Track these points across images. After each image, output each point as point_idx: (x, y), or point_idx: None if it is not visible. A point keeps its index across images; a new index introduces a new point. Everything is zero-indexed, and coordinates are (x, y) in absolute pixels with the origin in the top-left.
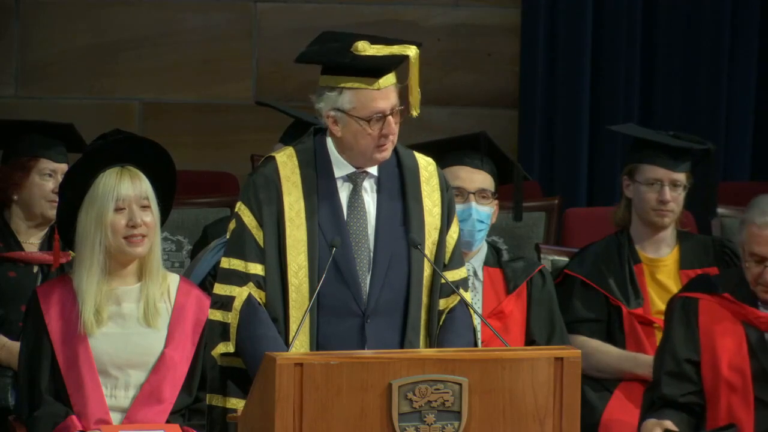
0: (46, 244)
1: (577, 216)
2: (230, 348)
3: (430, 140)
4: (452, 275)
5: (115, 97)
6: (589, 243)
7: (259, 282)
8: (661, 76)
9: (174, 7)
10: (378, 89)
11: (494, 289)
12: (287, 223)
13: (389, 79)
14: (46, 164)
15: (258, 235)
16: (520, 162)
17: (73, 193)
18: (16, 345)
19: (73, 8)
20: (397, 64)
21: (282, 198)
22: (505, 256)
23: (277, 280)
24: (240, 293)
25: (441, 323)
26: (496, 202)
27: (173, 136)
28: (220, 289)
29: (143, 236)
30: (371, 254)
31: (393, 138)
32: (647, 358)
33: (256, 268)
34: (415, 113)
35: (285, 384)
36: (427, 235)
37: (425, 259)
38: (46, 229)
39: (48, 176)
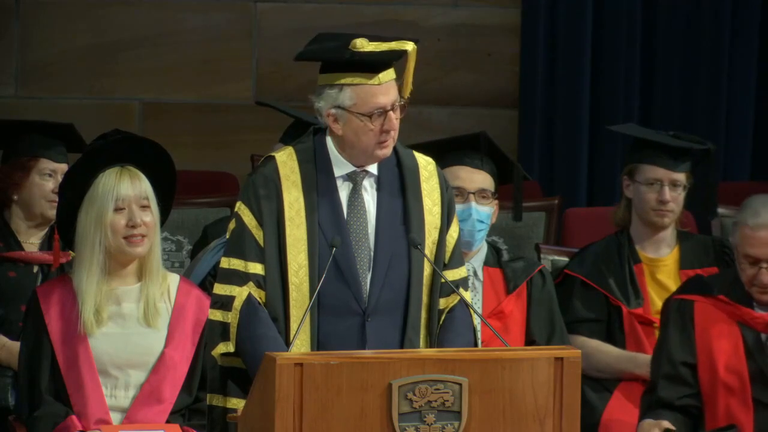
0: (46, 244)
1: (577, 216)
2: (230, 348)
3: (430, 140)
4: (452, 275)
5: (115, 97)
6: (589, 243)
7: (259, 281)
8: (661, 76)
9: (174, 7)
10: (378, 84)
11: (494, 289)
12: (287, 223)
13: (389, 74)
14: (46, 164)
15: (258, 234)
16: (520, 162)
17: (73, 193)
18: (16, 345)
19: (73, 8)
20: (397, 58)
21: (282, 197)
22: (505, 256)
23: (277, 280)
24: (240, 293)
25: (441, 323)
26: (496, 202)
27: (173, 136)
28: (220, 288)
29: (143, 236)
30: (371, 253)
31: (394, 134)
32: (646, 358)
33: (256, 268)
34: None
35: (285, 384)
36: (427, 235)
37: (425, 258)
38: (46, 229)
39: (48, 176)
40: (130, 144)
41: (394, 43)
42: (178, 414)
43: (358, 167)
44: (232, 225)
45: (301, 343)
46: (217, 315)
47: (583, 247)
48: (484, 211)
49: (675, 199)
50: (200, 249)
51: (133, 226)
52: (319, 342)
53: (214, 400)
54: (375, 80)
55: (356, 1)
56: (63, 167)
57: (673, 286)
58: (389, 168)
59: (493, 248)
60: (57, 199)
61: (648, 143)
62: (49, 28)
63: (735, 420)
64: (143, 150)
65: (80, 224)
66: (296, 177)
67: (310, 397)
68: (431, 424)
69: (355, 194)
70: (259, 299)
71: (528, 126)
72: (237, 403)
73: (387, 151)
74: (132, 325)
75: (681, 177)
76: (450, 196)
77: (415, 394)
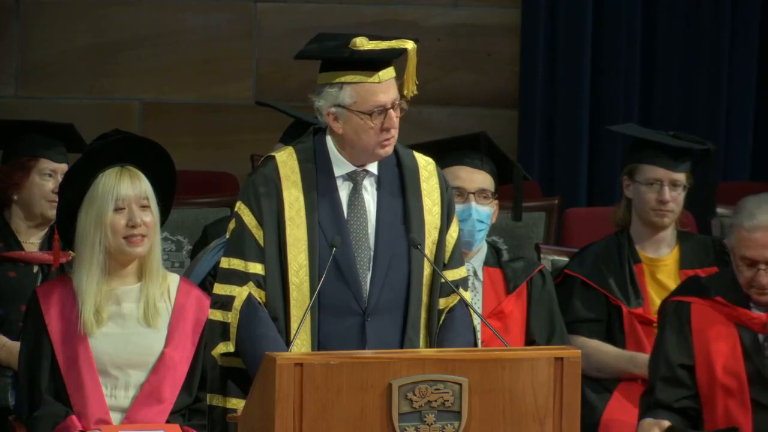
0: (46, 244)
1: (577, 216)
2: (230, 348)
3: (430, 140)
4: (452, 275)
5: (115, 97)
6: (589, 243)
7: (259, 281)
8: (661, 76)
9: (174, 7)
10: (378, 82)
11: (494, 289)
12: (287, 222)
13: (389, 73)
14: (46, 164)
15: (258, 234)
16: (520, 162)
17: (73, 193)
18: (16, 345)
19: (73, 8)
20: (396, 56)
21: (282, 197)
22: (505, 256)
23: (277, 279)
24: (240, 293)
25: (441, 323)
26: (496, 202)
27: (173, 136)
28: (220, 288)
29: (143, 236)
30: (371, 253)
31: (394, 133)
32: (646, 358)
33: (256, 268)
34: (410, 94)
35: (285, 384)
36: (426, 235)
37: (425, 258)
38: (46, 229)
39: (48, 176)
40: (130, 144)
41: (393, 41)
42: (178, 414)
43: (358, 166)
44: (232, 225)
45: (301, 343)
46: (217, 315)
47: (583, 247)
48: (484, 211)
49: (675, 199)
50: (200, 249)
51: (133, 226)
52: (319, 342)
53: (214, 400)
54: (375, 78)
55: (356, 1)
56: (63, 167)
57: (673, 285)
58: (389, 168)
59: (493, 248)
60: (57, 199)
61: (648, 143)
62: (49, 28)
63: (733, 421)
64: (143, 150)
65: (80, 224)
66: (296, 177)
67: (310, 397)
68: (431, 424)
69: (356, 194)
70: (259, 299)
71: (528, 126)
72: (237, 403)
73: (388, 150)
74: (132, 325)
75: (681, 177)
76: (450, 196)
77: (415, 394)
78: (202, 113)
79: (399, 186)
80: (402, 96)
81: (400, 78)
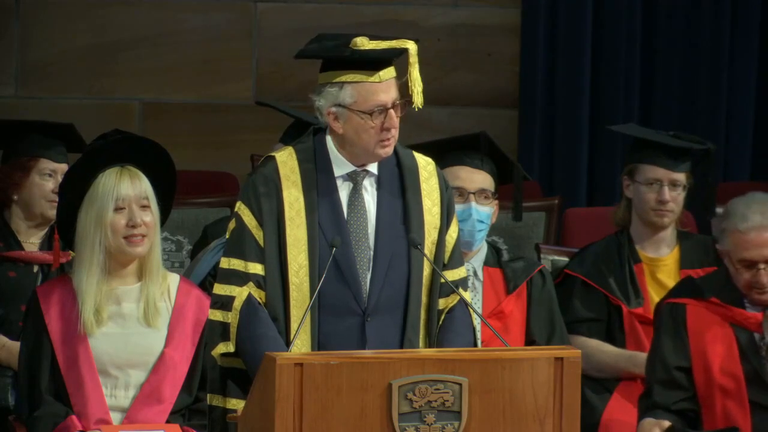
0: (46, 244)
1: (577, 216)
2: (230, 348)
3: (430, 140)
4: (452, 275)
5: (115, 97)
6: (589, 243)
7: (259, 282)
8: (661, 76)
9: (174, 7)
10: (379, 82)
11: (494, 289)
12: (287, 222)
13: (390, 72)
14: (46, 164)
15: (258, 234)
16: (520, 162)
17: (73, 193)
18: (16, 345)
19: (73, 8)
20: (397, 55)
21: (282, 197)
22: (505, 256)
23: (277, 280)
24: (240, 293)
25: (440, 323)
26: (496, 202)
27: (173, 136)
28: (220, 289)
29: (143, 236)
30: (371, 253)
31: (395, 132)
32: (645, 357)
33: (256, 268)
34: (418, 105)
35: (285, 384)
36: (426, 235)
37: (425, 258)
38: (46, 229)
39: (48, 176)
40: (130, 144)
41: (394, 41)
42: (178, 414)
43: (358, 166)
44: (232, 225)
45: (301, 343)
46: (217, 315)
47: (583, 247)
48: (484, 211)
49: (675, 199)
50: (200, 249)
51: (133, 226)
52: (319, 342)
53: (214, 400)
54: (375, 78)
55: (356, 1)
56: (63, 167)
57: (673, 285)
58: (389, 168)
59: (493, 248)
60: (57, 199)
61: (648, 143)
62: (49, 28)
63: (732, 422)
64: (143, 150)
65: (80, 224)
66: (296, 177)
67: (310, 397)
68: (431, 424)
69: (356, 194)
70: (259, 299)
71: (528, 126)
72: (237, 404)
73: (388, 150)
74: (132, 324)
75: (681, 177)
76: (449, 196)
77: (415, 394)
78: (202, 113)
79: (399, 186)
80: (403, 97)
81: (400, 78)
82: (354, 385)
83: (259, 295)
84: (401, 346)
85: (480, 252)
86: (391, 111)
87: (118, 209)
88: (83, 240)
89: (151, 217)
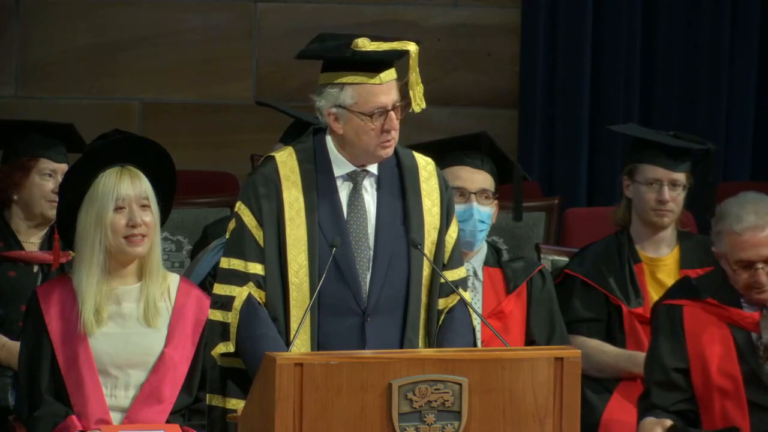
0: (46, 244)
1: (577, 216)
2: (230, 348)
3: (430, 140)
4: (451, 275)
5: (115, 97)
6: (589, 243)
7: (259, 282)
8: (661, 76)
9: (174, 7)
10: (380, 83)
11: (494, 289)
12: (287, 223)
13: (390, 74)
14: (46, 164)
15: (258, 234)
16: (520, 162)
17: (73, 193)
18: (16, 345)
19: (73, 8)
20: (398, 57)
21: (282, 197)
22: (505, 256)
23: (277, 280)
24: (240, 293)
25: (440, 323)
26: (496, 202)
27: (173, 136)
28: (220, 289)
29: (143, 236)
30: (371, 253)
31: (395, 134)
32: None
33: (256, 268)
34: (417, 108)
35: (285, 384)
36: (426, 235)
37: (425, 258)
38: (46, 229)
39: (48, 176)
40: (130, 144)
41: (395, 43)
42: (178, 414)
43: (358, 167)
44: (232, 225)
45: (301, 343)
46: (217, 315)
47: (583, 247)
48: (486, 212)
49: (675, 199)
50: (200, 249)
51: (133, 226)
52: (319, 342)
53: (214, 400)
54: (376, 79)
55: (356, 1)
56: (63, 167)
57: None
58: (389, 168)
59: (493, 248)
60: (57, 199)
61: (648, 143)
62: (49, 28)
63: (731, 423)
64: (143, 150)
65: (80, 224)
66: (296, 177)
67: (310, 397)
68: (431, 424)
69: (355, 194)
70: (259, 299)
71: (528, 126)
72: (236, 404)
73: (389, 152)
74: (132, 324)
75: (681, 177)
76: (449, 196)
77: (415, 394)
78: (202, 113)
79: (399, 186)
80: (404, 99)
81: (401, 79)
82: (354, 385)
83: (259, 295)
84: (401, 346)
85: (480, 252)
86: (391, 113)
87: (118, 209)
88: (83, 240)
89: (151, 217)
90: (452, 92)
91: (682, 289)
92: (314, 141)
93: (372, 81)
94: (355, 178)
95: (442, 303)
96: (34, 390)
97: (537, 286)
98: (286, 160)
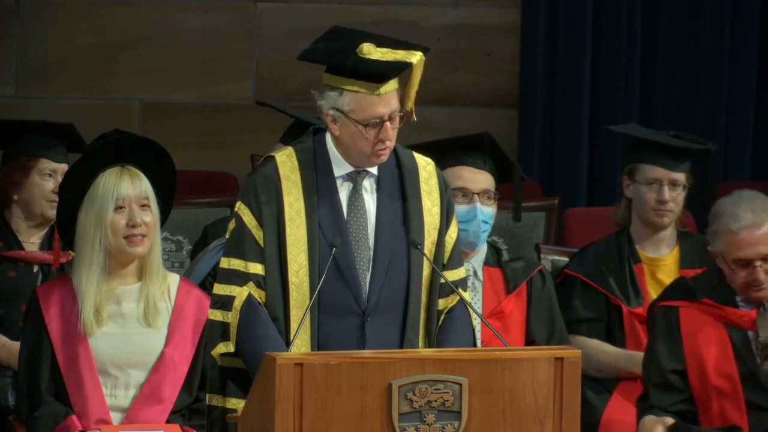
0: (46, 244)
1: (577, 216)
2: (230, 348)
3: (430, 140)
4: (451, 275)
5: (115, 97)
6: (589, 243)
7: (259, 282)
8: (661, 76)
9: (174, 7)
10: (378, 95)
11: (494, 289)
12: (287, 223)
13: (391, 85)
14: (46, 164)
15: (258, 234)
16: (520, 162)
17: (73, 193)
18: (16, 345)
19: (73, 8)
20: (400, 71)
21: (282, 197)
22: (505, 256)
23: (277, 280)
24: (240, 293)
25: (440, 323)
26: (496, 201)
27: (173, 136)
28: (220, 289)
29: (143, 236)
30: (371, 253)
31: (390, 144)
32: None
33: (256, 268)
34: (408, 106)
35: (285, 384)
36: (426, 235)
37: (425, 258)
38: (46, 229)
39: (48, 176)
40: (130, 144)
41: (401, 53)
42: (178, 414)
43: (357, 167)
44: (232, 225)
45: (301, 343)
46: (217, 315)
47: (583, 247)
48: (488, 212)
49: (675, 199)
50: (200, 249)
51: (133, 226)
52: (319, 342)
53: (214, 400)
54: (376, 92)
55: (356, 1)
56: (63, 167)
57: None
58: (389, 168)
59: (493, 248)
60: (57, 199)
61: (648, 143)
62: (49, 28)
63: (729, 423)
64: (143, 150)
65: (80, 224)
66: (296, 177)
67: (310, 397)
68: (431, 424)
69: (355, 194)
70: (259, 299)
71: (528, 126)
72: (236, 404)
73: (383, 159)
74: (132, 324)
75: (681, 177)
76: (449, 196)
77: (415, 394)
78: (202, 113)
79: (399, 186)
80: (402, 105)
81: (402, 88)
82: (354, 385)
83: (259, 295)
84: (401, 346)
85: (480, 252)
86: (387, 123)
87: (118, 209)
88: (83, 240)
89: (151, 217)
90: (452, 92)
91: (677, 290)
92: (314, 141)
93: (371, 92)
94: (354, 179)
95: (442, 303)
96: (34, 390)
97: (537, 286)
98: (286, 160)
